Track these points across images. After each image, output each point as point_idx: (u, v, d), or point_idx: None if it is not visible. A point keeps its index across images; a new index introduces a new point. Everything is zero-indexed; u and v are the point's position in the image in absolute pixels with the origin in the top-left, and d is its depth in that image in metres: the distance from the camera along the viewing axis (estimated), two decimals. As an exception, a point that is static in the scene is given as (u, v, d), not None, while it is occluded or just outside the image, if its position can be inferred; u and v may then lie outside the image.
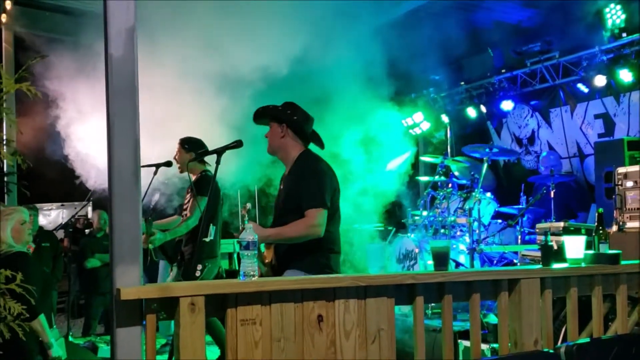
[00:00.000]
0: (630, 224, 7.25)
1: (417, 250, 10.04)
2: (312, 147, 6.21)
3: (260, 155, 10.67)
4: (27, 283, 5.45)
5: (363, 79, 12.33)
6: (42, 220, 12.73)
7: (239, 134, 8.84)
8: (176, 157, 8.37)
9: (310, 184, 5.76)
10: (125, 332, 4.11)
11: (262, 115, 6.08)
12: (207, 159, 8.21)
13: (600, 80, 11.84)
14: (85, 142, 10.21)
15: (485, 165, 10.99)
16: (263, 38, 9.97)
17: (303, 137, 6.03)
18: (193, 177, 8.28)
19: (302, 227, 5.68)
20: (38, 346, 6.13)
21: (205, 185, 7.96)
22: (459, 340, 7.94)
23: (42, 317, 6.03)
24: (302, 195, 5.75)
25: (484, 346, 6.28)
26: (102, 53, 4.08)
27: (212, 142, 8.05)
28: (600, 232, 5.87)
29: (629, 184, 7.52)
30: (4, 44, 11.37)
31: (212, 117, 9.91)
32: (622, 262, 5.71)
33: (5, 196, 9.35)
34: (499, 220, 11.11)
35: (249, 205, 5.96)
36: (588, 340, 5.38)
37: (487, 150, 11.00)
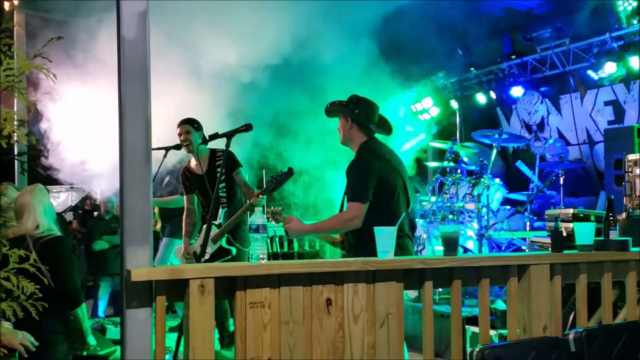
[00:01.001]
0: (640, 211, 7.26)
1: (425, 236, 10.06)
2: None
3: (260, 138, 10.67)
4: (71, 269, 5.49)
5: (372, 64, 12.33)
6: (52, 202, 12.76)
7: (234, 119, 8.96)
8: (188, 137, 8.45)
9: (353, 177, 6.16)
10: (135, 314, 4.13)
11: (331, 110, 6.51)
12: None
13: (610, 67, 11.84)
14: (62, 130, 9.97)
15: (494, 151, 10.99)
16: (269, 27, 9.93)
17: (367, 128, 6.39)
18: (202, 160, 8.45)
19: (338, 220, 6.16)
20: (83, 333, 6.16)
21: (234, 158, 8.42)
22: (466, 326, 7.97)
23: (84, 305, 6.03)
24: (348, 187, 6.21)
25: (491, 332, 6.29)
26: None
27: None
28: (610, 219, 5.88)
29: (639, 171, 7.52)
30: (15, 27, 11.38)
31: (208, 104, 9.92)
32: (632, 249, 5.72)
33: (16, 177, 9.34)
34: (508, 207, 11.11)
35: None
36: (597, 326, 5.39)
37: (497, 136, 11.00)
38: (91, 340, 6.21)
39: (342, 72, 11.41)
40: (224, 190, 8.40)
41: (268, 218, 6.40)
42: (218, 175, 7.70)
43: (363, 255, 5.36)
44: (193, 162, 8.67)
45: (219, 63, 9.91)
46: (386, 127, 6.65)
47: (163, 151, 8.31)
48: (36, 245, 5.67)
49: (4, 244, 3.69)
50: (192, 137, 8.42)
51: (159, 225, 9.95)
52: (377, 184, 6.05)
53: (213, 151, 8.61)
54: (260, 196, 7.54)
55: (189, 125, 8.50)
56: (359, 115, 6.33)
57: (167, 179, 10.15)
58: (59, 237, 6.03)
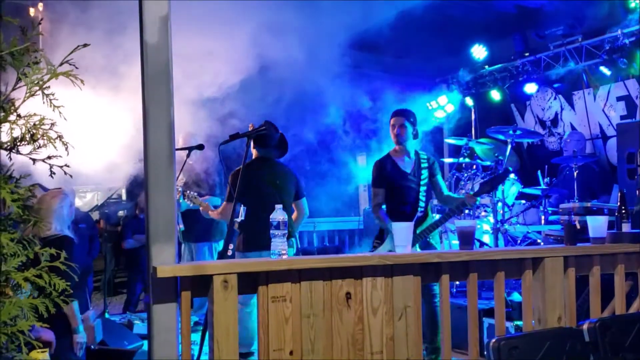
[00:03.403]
0: (653, 204, 7.31)
1: (442, 231, 10.13)
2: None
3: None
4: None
5: (386, 62, 12.40)
6: (78, 202, 12.93)
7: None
8: (403, 131, 8.25)
9: None
10: (161, 308, 4.26)
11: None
12: None
13: (622, 63, 11.89)
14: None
15: (509, 147, 11.06)
16: (273, 30, 9.87)
17: (259, 150, 8.11)
18: (411, 158, 8.35)
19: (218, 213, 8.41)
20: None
21: (438, 165, 8.55)
22: (483, 318, 8.06)
23: (75, 304, 6.13)
24: None
25: (507, 324, 6.39)
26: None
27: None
28: (623, 211, 5.96)
29: (651, 164, 7.56)
30: (42, 34, 11.37)
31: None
32: (644, 241, 5.80)
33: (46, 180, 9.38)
34: (523, 201, 11.17)
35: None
36: (610, 317, 5.48)
37: (511, 132, 11.05)
38: (80, 337, 6.28)
39: (355, 72, 11.47)
40: (424, 193, 8.14)
41: (185, 197, 9.04)
42: (423, 177, 8.12)
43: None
44: (396, 157, 8.30)
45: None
46: (277, 150, 8.23)
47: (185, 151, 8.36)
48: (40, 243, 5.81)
49: (36, 243, 3.81)
50: (406, 132, 8.16)
51: (181, 226, 9.98)
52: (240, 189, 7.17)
53: (417, 152, 8.34)
54: (476, 198, 7.65)
55: (405, 118, 8.22)
56: (255, 141, 7.82)
57: (180, 176, 10.13)
58: (63, 236, 6.22)
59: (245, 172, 6.93)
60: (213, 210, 8.78)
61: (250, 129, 7.23)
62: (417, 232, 7.75)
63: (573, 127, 13.71)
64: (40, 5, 10.62)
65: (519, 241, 10.35)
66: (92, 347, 6.46)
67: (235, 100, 9.88)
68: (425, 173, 8.14)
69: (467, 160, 11.53)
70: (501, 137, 11.53)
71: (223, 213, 8.25)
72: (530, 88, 14.19)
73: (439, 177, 8.26)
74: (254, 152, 8.20)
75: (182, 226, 9.92)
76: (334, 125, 12.82)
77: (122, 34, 8.09)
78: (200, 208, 9.04)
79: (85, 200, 13.69)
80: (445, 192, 8.23)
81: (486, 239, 10.32)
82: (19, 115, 3.58)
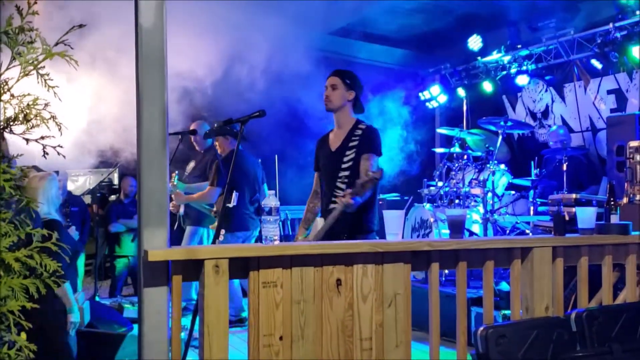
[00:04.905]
0: (641, 197, 7.36)
1: (432, 220, 10.16)
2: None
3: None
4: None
5: (381, 52, 12.39)
6: (70, 186, 12.96)
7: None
8: (331, 93, 6.46)
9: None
10: (152, 292, 4.27)
11: None
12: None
13: (614, 57, 11.94)
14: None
15: (500, 138, 11.12)
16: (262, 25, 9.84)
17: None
18: (340, 131, 6.53)
19: (202, 195, 9.28)
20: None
21: (371, 138, 6.43)
22: (471, 307, 8.10)
23: (67, 284, 6.18)
24: None
25: (495, 313, 6.42)
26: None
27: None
28: (612, 203, 6.00)
29: (640, 157, 7.61)
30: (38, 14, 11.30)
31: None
32: (632, 233, 5.84)
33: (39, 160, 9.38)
34: (512, 192, 11.21)
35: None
36: (597, 307, 5.51)
37: (502, 123, 11.11)
38: (75, 317, 6.33)
39: (347, 61, 11.47)
40: (345, 178, 6.35)
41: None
42: (347, 157, 6.38)
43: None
44: (334, 132, 6.67)
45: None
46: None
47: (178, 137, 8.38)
48: None
49: (28, 224, 3.82)
50: (337, 94, 6.48)
51: (182, 210, 9.98)
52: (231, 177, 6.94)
53: (357, 123, 6.52)
54: (347, 199, 5.71)
55: (339, 77, 6.51)
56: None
57: (191, 164, 10.23)
58: (51, 220, 6.26)
59: (236, 161, 6.54)
60: (184, 195, 9.43)
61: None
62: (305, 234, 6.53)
63: (563, 120, 13.76)
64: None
65: (507, 231, 10.38)
66: (81, 328, 6.50)
67: (212, 92, 9.92)
68: (352, 150, 6.36)
69: (458, 150, 11.55)
70: (492, 128, 11.60)
71: (207, 195, 9.10)
72: (522, 80, 14.22)
73: (371, 154, 6.29)
74: (225, 144, 8.96)
75: (182, 210, 9.96)
76: (322, 115, 12.87)
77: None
78: (173, 196, 9.17)
79: (77, 184, 13.74)
80: (363, 176, 6.06)
81: (476, 228, 10.35)
82: (12, 95, 3.59)
